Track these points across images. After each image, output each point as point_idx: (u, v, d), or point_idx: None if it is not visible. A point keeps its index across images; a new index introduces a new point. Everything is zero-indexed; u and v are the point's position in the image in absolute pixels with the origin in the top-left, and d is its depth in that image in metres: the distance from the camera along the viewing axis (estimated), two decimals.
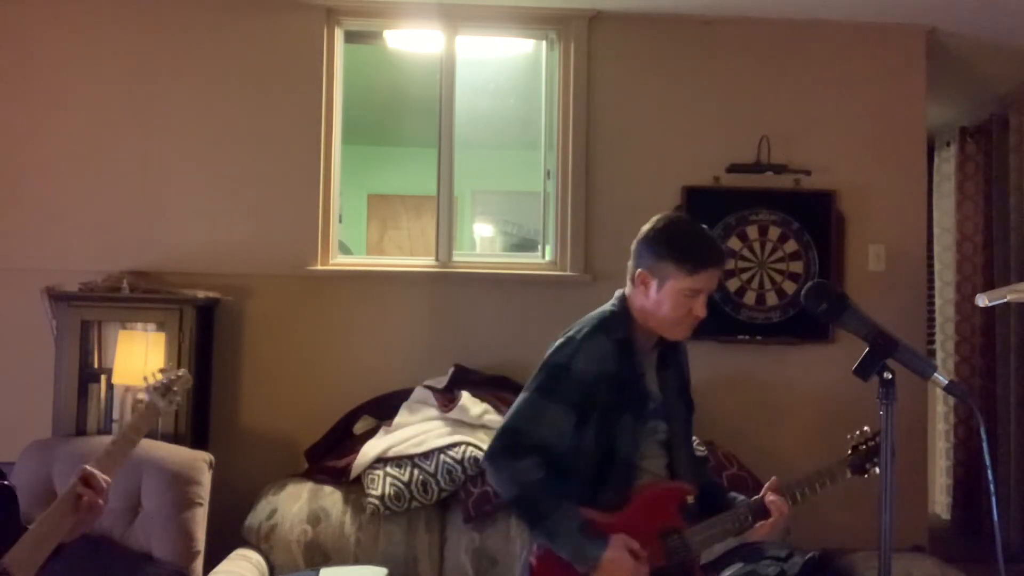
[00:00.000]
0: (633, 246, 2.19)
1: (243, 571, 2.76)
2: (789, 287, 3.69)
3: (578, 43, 3.66)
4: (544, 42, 3.82)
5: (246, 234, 3.53)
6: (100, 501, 1.84)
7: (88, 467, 1.86)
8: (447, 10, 3.64)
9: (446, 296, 3.63)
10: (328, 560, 2.92)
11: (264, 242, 3.53)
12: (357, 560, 2.93)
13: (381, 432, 3.22)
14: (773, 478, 2.19)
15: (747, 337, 3.67)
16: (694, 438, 2.42)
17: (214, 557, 2.87)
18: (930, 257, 4.97)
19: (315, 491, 3.06)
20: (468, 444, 3.09)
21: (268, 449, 3.45)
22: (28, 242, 3.47)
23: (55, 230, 3.48)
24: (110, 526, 2.80)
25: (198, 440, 3.26)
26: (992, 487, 1.81)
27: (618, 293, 2.24)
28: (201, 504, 2.92)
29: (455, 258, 3.72)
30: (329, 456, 3.23)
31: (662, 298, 2.11)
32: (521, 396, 2.16)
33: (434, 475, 3.02)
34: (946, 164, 5.17)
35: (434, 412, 3.23)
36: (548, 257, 3.76)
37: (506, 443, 2.10)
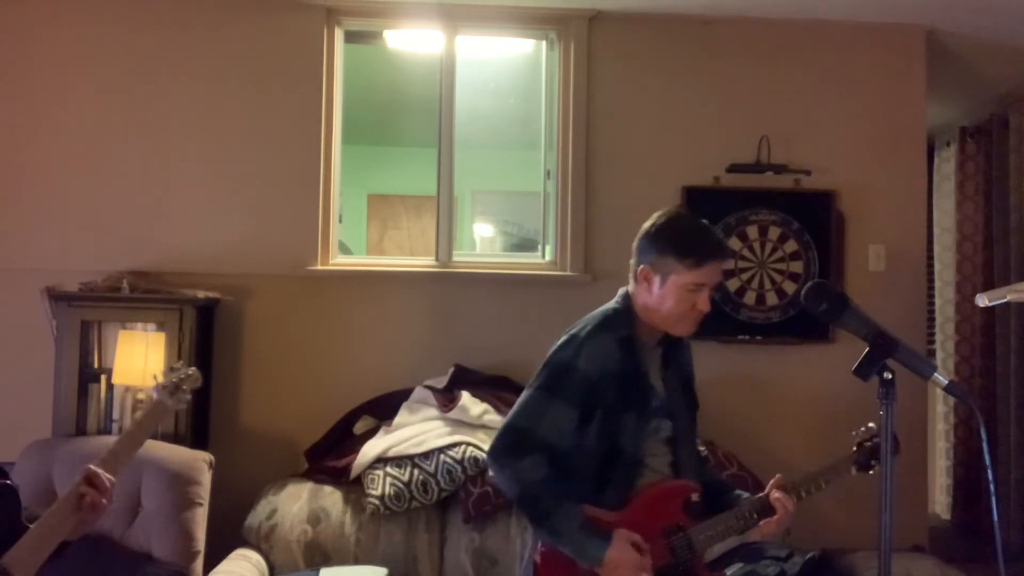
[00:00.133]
0: (635, 242, 2.19)
1: (243, 571, 2.76)
2: (789, 287, 3.69)
3: (578, 43, 3.66)
4: (544, 42, 3.82)
5: (246, 234, 3.53)
6: (103, 501, 1.83)
7: (92, 466, 1.85)
8: (447, 10, 3.64)
9: (446, 296, 3.63)
10: (328, 560, 2.92)
11: (264, 242, 3.53)
12: (357, 560, 2.93)
13: (381, 432, 3.22)
14: (778, 475, 2.19)
15: (747, 337, 3.67)
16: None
17: (214, 557, 2.87)
18: (930, 257, 4.98)
19: (315, 491, 3.06)
20: (468, 444, 3.09)
21: (268, 449, 3.45)
22: (28, 242, 3.47)
23: (55, 230, 3.48)
24: (110, 526, 2.80)
25: (198, 440, 3.26)
26: (992, 487, 1.81)
27: (621, 291, 2.24)
28: (201, 504, 2.92)
29: (455, 258, 3.72)
30: (329, 456, 3.23)
31: (665, 293, 2.11)
32: (524, 394, 2.16)
33: (434, 475, 3.02)
34: (946, 164, 5.17)
35: (434, 412, 3.23)
36: (548, 257, 3.76)
37: (509, 441, 2.11)
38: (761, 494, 2.17)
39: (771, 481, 2.18)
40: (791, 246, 3.70)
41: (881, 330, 1.73)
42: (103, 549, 2.75)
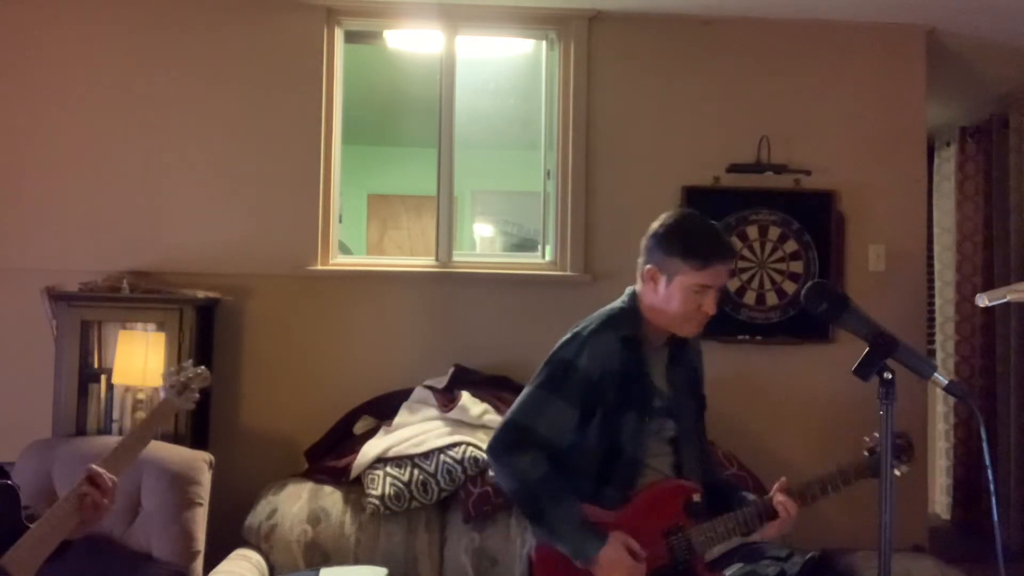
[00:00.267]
0: (643, 242, 2.19)
1: (243, 571, 2.76)
2: (789, 287, 3.69)
3: (578, 43, 3.66)
4: (544, 42, 3.82)
5: (246, 234, 3.53)
6: (105, 501, 1.83)
7: (95, 466, 1.85)
8: (447, 10, 3.64)
9: (446, 296, 3.63)
10: (328, 560, 2.92)
11: (264, 242, 3.53)
12: (357, 560, 2.93)
13: (381, 432, 3.22)
14: (783, 478, 2.18)
15: (747, 337, 3.67)
16: None
17: (214, 557, 2.87)
18: (930, 257, 4.98)
19: (315, 491, 3.06)
20: (468, 444, 3.09)
21: (268, 449, 3.45)
22: (28, 242, 3.47)
23: (55, 230, 3.48)
24: (110, 526, 2.80)
25: (198, 440, 3.26)
26: (992, 487, 1.81)
27: (629, 290, 2.24)
28: (201, 504, 2.92)
29: (455, 258, 3.72)
30: (329, 456, 3.23)
31: (671, 294, 2.11)
32: (525, 390, 2.17)
33: (434, 475, 3.02)
34: (946, 164, 5.17)
35: (434, 412, 3.23)
36: (548, 257, 3.76)
37: (508, 438, 2.11)
38: (765, 497, 2.17)
39: (775, 484, 2.17)
40: (791, 246, 3.70)
41: (881, 330, 1.73)
42: (103, 549, 2.75)
